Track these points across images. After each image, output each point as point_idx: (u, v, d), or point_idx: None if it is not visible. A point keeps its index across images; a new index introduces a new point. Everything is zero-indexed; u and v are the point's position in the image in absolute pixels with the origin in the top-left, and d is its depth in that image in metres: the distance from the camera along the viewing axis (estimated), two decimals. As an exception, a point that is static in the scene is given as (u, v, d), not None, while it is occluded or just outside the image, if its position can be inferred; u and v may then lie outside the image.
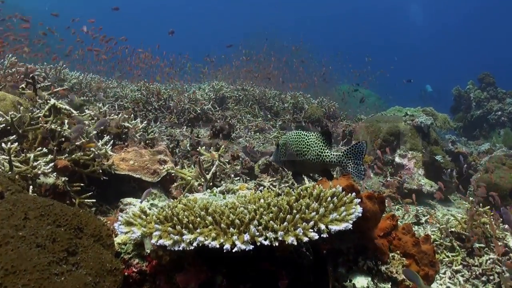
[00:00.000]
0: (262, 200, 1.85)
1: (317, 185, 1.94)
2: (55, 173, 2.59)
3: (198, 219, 1.54)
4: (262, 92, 8.30)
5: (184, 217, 1.56)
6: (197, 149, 3.09)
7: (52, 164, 2.48)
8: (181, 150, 4.58)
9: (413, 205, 4.76)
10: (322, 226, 1.52)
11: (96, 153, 2.80)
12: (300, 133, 2.54)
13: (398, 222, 2.50)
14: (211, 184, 2.92)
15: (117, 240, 1.99)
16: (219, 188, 2.44)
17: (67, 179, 2.69)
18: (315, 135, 2.49)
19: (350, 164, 2.40)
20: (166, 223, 1.58)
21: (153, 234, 1.51)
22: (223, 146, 3.11)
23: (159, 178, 3.22)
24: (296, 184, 2.84)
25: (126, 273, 1.90)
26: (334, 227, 1.52)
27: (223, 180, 3.11)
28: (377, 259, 2.21)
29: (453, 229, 3.59)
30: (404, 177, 5.71)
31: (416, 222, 4.42)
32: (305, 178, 3.08)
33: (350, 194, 1.83)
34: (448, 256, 3.39)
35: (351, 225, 1.58)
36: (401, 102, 9.07)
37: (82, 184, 2.84)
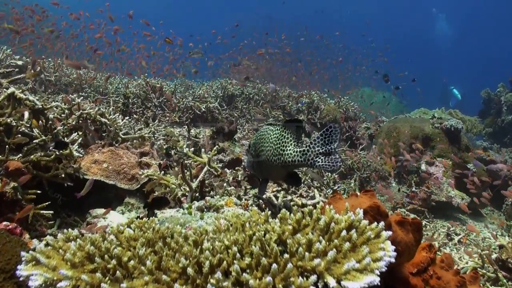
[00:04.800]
0: (247, 225, 1.27)
1: (327, 206, 1.34)
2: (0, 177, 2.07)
3: (132, 262, 0.96)
4: (275, 90, 7.70)
5: (114, 257, 0.99)
6: (181, 151, 2.52)
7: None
8: (177, 152, 4.03)
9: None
10: (332, 282, 0.93)
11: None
12: (267, 128, 1.94)
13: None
14: (197, 194, 2.36)
15: (48, 274, 1.43)
16: (197, 204, 1.87)
17: (16, 184, 2.16)
18: (277, 129, 1.87)
19: (320, 159, 1.74)
20: (87, 264, 1.02)
21: (58, 285, 0.94)
22: (215, 148, 2.54)
23: (139, 185, 2.66)
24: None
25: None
26: (351, 285, 0.92)
27: (214, 190, 2.55)
28: (410, 307, 1.61)
29: (496, 255, 2.92)
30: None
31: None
32: (316, 191, 2.46)
33: (375, 222, 1.23)
34: (492, 291, 2.73)
35: (379, 278, 0.99)
36: (422, 105, 8.31)
37: (39, 191, 2.32)
